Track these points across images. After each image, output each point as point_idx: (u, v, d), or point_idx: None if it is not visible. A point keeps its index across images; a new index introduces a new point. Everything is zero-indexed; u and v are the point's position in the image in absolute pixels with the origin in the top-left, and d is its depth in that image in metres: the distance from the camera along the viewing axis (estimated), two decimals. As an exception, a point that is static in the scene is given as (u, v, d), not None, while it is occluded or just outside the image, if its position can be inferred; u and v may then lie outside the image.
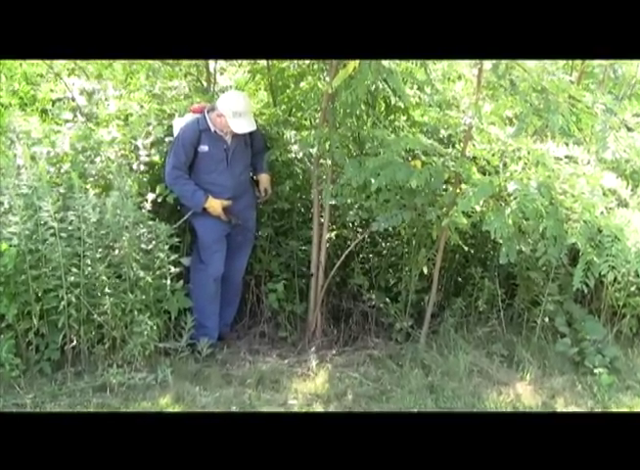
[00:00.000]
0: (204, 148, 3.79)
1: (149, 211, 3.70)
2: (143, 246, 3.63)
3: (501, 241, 3.50)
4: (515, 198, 3.25)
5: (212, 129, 3.80)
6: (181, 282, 3.77)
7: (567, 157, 3.50)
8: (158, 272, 3.66)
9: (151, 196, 3.74)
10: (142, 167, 3.94)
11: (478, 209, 3.74)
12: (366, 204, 3.85)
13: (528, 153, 3.51)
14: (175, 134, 3.85)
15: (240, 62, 4.39)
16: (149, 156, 3.96)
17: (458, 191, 3.71)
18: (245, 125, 3.74)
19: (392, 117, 4.07)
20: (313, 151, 3.96)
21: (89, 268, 3.47)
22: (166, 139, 3.98)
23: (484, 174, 3.68)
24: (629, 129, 3.39)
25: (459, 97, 3.95)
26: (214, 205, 3.82)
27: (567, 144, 3.54)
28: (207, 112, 3.80)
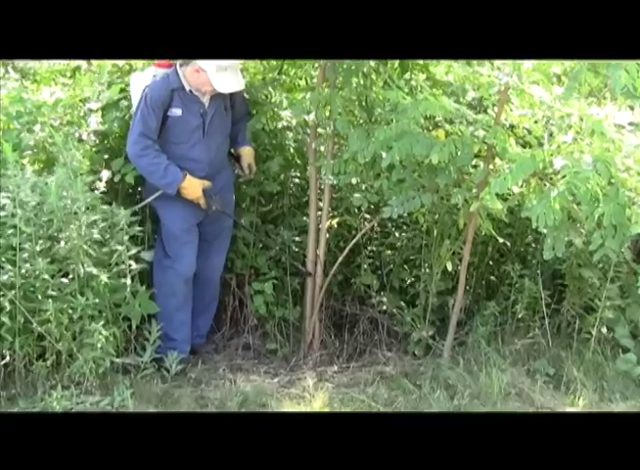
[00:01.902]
0: (175, 112, 3.77)
1: (103, 192, 3.69)
2: (96, 236, 3.62)
3: (545, 231, 3.50)
4: (563, 176, 3.24)
5: (187, 88, 3.79)
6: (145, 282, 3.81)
7: (631, 124, 3.52)
8: (115, 270, 3.66)
9: (105, 174, 3.75)
10: (93, 138, 3.96)
11: (515, 190, 3.76)
12: (375, 184, 3.84)
13: (581, 119, 3.52)
14: (133, 94, 3.84)
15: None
16: (102, 123, 3.97)
17: (491, 168, 3.72)
18: (231, 83, 3.72)
19: (408, 75, 4.07)
20: (309, 118, 3.98)
21: (27, 265, 3.45)
22: (124, 102, 3.99)
23: (524, 147, 3.71)
24: None
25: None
26: (193, 185, 3.79)
27: (631, 108, 3.54)
28: (180, 66, 3.79)
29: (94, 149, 3.96)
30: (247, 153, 4.09)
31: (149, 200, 3.87)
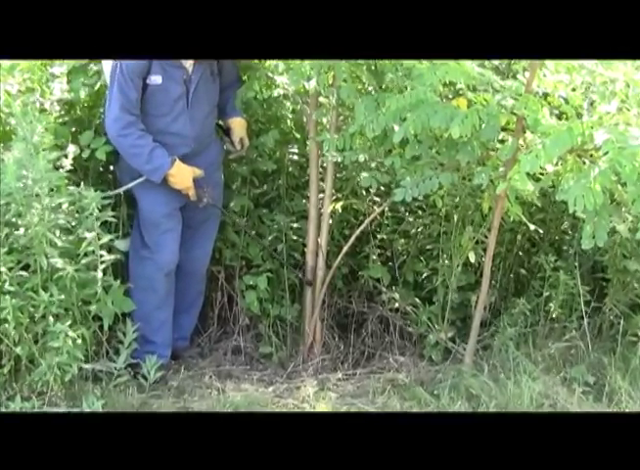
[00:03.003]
0: (155, 79, 3.76)
1: (69, 171, 3.68)
2: (61, 222, 3.61)
3: (584, 216, 3.48)
4: (605, 153, 3.19)
5: None
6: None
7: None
8: (83, 261, 3.64)
9: (72, 149, 3.74)
10: (58, 107, 3.95)
11: (550, 169, 3.72)
12: (386, 162, 3.81)
13: (628, 86, 3.52)
14: (105, 62, 3.81)
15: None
16: (68, 90, 3.95)
17: (521, 143, 3.69)
18: None
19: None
20: (309, 85, 3.94)
21: (-19, 256, 3.44)
22: (92, 66, 3.99)
23: (560, 119, 3.68)
24: None
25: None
26: (183, 173, 3.82)
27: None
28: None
29: (58, 120, 3.94)
30: (238, 125, 4.10)
31: (128, 186, 3.89)
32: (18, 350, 3.52)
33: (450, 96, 3.78)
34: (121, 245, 3.88)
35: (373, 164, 4.10)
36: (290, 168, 4.46)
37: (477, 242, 4.20)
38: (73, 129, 3.97)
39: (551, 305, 4.32)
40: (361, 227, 4.16)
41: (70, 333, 3.51)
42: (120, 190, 3.91)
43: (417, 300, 4.39)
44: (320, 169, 4.11)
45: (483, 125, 3.52)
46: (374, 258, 4.42)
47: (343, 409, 3.74)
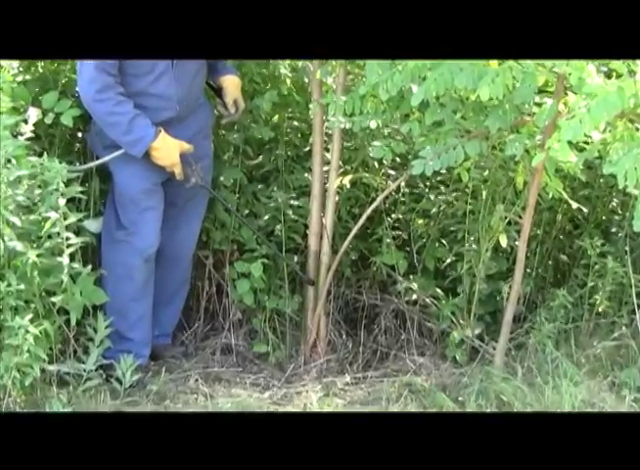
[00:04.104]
0: None
1: (30, 138, 3.69)
2: (20, 199, 3.62)
3: (636, 193, 3.48)
4: None
5: None
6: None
7: None
8: (47, 244, 3.64)
9: (33, 113, 3.73)
10: (16, 64, 3.95)
11: (596, 137, 3.64)
12: (403, 129, 3.76)
13: None
14: None
15: None
16: None
17: (562, 107, 3.66)
18: None
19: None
20: None
21: None
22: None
23: (609, 78, 3.58)
24: None
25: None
26: (169, 147, 3.83)
27: None
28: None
29: (17, 79, 3.93)
30: (231, 84, 4.10)
31: (101, 161, 3.89)
32: (-32, 348, 3.52)
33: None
34: (92, 225, 3.89)
35: (387, 132, 4.13)
36: (289, 136, 4.45)
37: (509, 223, 4.17)
38: (35, 90, 3.97)
39: (597, 296, 4.33)
40: (373, 205, 4.13)
41: (32, 329, 3.49)
42: (92, 165, 3.92)
43: (438, 290, 4.39)
44: (325, 137, 4.10)
45: (517, 85, 3.50)
46: (388, 241, 4.39)
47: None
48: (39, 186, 3.66)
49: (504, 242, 4.19)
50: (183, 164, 3.86)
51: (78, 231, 3.73)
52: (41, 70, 4.04)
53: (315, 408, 3.81)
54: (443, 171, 4.15)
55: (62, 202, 3.61)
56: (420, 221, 4.53)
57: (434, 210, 4.51)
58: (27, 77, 4.00)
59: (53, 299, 3.67)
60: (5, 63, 3.87)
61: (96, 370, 3.76)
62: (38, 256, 3.53)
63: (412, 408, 3.82)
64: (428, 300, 4.36)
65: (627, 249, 4.35)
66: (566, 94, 3.67)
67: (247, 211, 4.36)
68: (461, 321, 4.26)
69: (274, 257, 4.30)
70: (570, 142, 3.29)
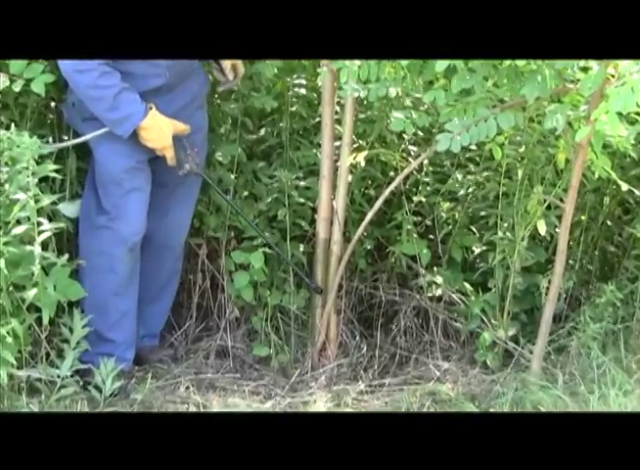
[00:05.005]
0: None
1: None
2: None
3: None
4: None
5: None
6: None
7: None
8: (15, 231, 3.58)
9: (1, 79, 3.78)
10: None
11: None
12: (426, 97, 3.67)
13: None
14: None
15: None
16: None
17: (610, 72, 3.55)
18: None
19: None
20: None
21: None
22: None
23: None
24: None
25: None
26: (160, 127, 3.78)
27: None
28: None
29: None
30: None
31: (80, 139, 3.84)
32: None
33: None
34: (68, 209, 3.90)
35: (408, 102, 4.12)
36: (295, 107, 4.39)
37: (548, 207, 4.14)
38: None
39: (650, 292, 4.37)
40: (391, 186, 4.07)
41: (-1, 329, 3.60)
42: (69, 143, 3.89)
43: (467, 285, 4.34)
44: (336, 108, 4.06)
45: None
46: (408, 228, 4.32)
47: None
48: (6, 163, 3.59)
49: (543, 229, 4.11)
50: (176, 148, 3.84)
51: (52, 216, 3.74)
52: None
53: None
54: (473, 147, 4.14)
55: (33, 182, 3.54)
56: (445, 205, 4.52)
57: (461, 192, 4.47)
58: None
59: (22, 294, 3.62)
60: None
61: (71, 376, 3.71)
62: (5, 244, 3.51)
63: (436, 420, 4.01)
64: (454, 296, 4.31)
65: (686, 238, 4.42)
66: (615, 58, 3.78)
67: (246, 193, 4.35)
68: (493, 321, 4.22)
69: (277, 245, 4.29)
70: (619, 113, 3.20)
